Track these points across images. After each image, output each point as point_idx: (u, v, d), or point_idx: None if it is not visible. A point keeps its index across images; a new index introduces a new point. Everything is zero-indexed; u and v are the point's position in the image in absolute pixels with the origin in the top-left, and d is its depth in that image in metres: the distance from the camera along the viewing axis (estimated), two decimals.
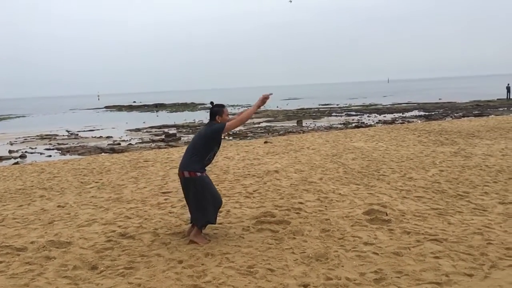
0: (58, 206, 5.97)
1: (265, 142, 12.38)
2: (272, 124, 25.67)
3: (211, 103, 4.58)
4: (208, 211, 4.29)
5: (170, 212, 5.37)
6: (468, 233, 4.21)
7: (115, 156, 11.83)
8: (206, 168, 4.39)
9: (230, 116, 4.57)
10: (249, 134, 20.07)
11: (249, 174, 7.56)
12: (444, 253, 3.75)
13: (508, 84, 40.46)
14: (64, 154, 16.25)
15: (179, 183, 6.99)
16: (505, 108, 29.96)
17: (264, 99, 4.40)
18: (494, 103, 35.89)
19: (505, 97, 39.01)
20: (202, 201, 4.27)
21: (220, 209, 5.32)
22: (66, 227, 4.97)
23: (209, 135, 4.31)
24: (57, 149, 18.01)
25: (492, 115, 22.85)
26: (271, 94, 4.49)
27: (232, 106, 49.76)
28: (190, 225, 4.56)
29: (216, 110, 4.42)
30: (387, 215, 4.85)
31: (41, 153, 16.69)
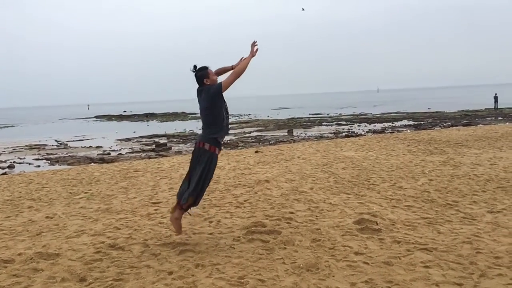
0: (47, 217, 5.90)
1: (256, 152, 12.38)
2: (263, 134, 25.70)
3: (194, 66, 4.45)
4: (202, 192, 4.40)
5: (160, 223, 5.33)
6: (458, 242, 4.24)
7: (105, 166, 11.74)
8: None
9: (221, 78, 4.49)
10: (239, 144, 20.07)
11: (239, 184, 7.55)
12: (434, 262, 3.77)
13: (496, 94, 41.03)
14: (53, 164, 16.10)
15: (169, 193, 7.00)
16: (493, 118, 30.33)
17: (253, 48, 4.37)
18: (482, 112, 36.33)
19: (493, 106, 39.53)
20: (205, 180, 4.34)
21: (211, 219, 5.34)
22: (55, 238, 4.91)
23: (212, 102, 4.29)
24: (46, 159, 17.83)
25: (480, 125, 23.12)
26: (255, 42, 4.41)
27: None
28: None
29: (202, 74, 4.38)
30: (377, 224, 4.87)
31: (29, 163, 16.52)
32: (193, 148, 4.53)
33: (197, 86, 4.48)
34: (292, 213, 5.50)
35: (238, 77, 4.30)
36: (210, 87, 4.34)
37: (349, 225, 4.89)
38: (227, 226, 5.06)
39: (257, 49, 4.43)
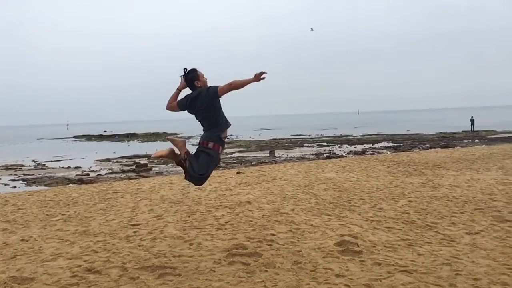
0: (22, 240, 5.73)
1: (238, 173, 12.35)
2: (245, 155, 25.71)
3: (184, 70, 4.46)
4: (206, 174, 4.35)
5: (139, 245, 5.24)
6: (437, 264, 4.27)
7: (83, 187, 11.53)
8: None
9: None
10: (221, 165, 20.01)
11: (221, 205, 7.50)
12: (414, 284, 3.78)
13: (472, 117, 42.12)
14: (30, 185, 15.75)
15: (149, 215, 6.90)
16: (470, 140, 31.02)
17: (260, 76, 4.22)
18: (459, 135, 37.15)
19: (470, 129, 40.47)
20: (209, 164, 4.31)
21: (191, 242, 5.26)
22: (30, 262, 4.76)
23: (213, 101, 4.30)
24: (23, 180, 17.45)
25: (458, 147, 23.60)
26: (265, 72, 4.23)
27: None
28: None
29: (192, 76, 4.40)
30: (358, 246, 4.87)
31: (5, 184, 16.11)
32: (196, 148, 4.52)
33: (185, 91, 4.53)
34: (273, 235, 5.47)
35: (233, 89, 4.28)
36: (208, 89, 4.34)
37: (330, 247, 4.89)
38: (208, 249, 5.00)
39: (263, 78, 4.29)
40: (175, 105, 4.57)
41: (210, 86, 4.39)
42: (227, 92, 4.31)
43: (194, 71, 4.46)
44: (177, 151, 4.43)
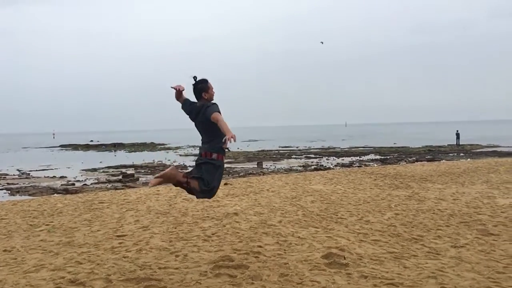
0: (4, 251, 5.62)
1: (225, 184, 12.31)
2: (233, 166, 25.66)
3: (194, 78, 4.39)
4: (217, 184, 4.32)
5: (125, 257, 5.17)
6: (423, 277, 4.29)
7: (69, 197, 11.38)
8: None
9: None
10: None
11: (208, 217, 7.45)
12: None
13: (458, 131, 42.70)
14: (14, 195, 15.50)
15: (135, 225, 6.83)
16: (455, 154, 31.44)
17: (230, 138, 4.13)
18: (445, 148, 37.65)
19: (455, 143, 41.00)
20: (216, 174, 4.28)
21: (177, 253, 5.21)
22: (12, 273, 4.67)
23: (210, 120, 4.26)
24: (6, 189, 17.18)
25: (443, 160, 23.88)
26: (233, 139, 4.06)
27: (193, 146, 49.50)
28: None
29: (201, 86, 4.33)
30: (345, 258, 4.88)
31: None
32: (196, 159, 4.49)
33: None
34: (260, 246, 5.45)
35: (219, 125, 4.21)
36: (207, 107, 4.26)
37: (317, 259, 4.88)
38: (194, 260, 4.96)
39: (229, 142, 4.12)
40: (182, 102, 4.55)
41: (211, 105, 4.29)
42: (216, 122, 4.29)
43: (205, 82, 4.39)
44: (171, 176, 4.30)
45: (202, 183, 4.23)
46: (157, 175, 4.22)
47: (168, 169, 4.26)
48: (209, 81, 4.42)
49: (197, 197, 4.42)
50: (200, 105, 4.39)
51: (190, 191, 4.30)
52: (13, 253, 5.52)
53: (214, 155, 4.31)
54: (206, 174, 4.27)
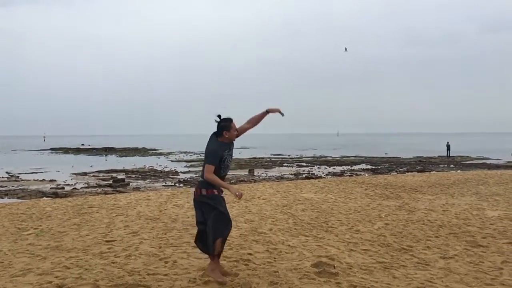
0: None
1: None
2: None
3: (219, 116, 4.41)
4: (223, 233, 4.34)
5: (113, 262, 5.12)
6: (412, 287, 4.30)
7: (58, 201, 11.28)
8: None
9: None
10: None
11: None
12: None
13: (448, 142, 43.07)
14: (2, 198, 15.34)
15: (124, 231, 6.78)
16: (445, 165, 31.68)
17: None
18: (436, 159, 37.93)
19: (445, 154, 41.32)
20: (219, 218, 4.30)
21: (166, 260, 5.18)
22: None
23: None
24: None
25: (434, 171, 24.03)
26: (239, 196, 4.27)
27: (185, 152, 49.35)
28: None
29: (224, 125, 4.36)
30: (334, 268, 4.88)
31: None
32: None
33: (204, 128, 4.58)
34: (250, 254, 5.43)
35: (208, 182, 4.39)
36: (207, 157, 4.38)
37: (307, 268, 4.87)
38: (184, 267, 4.93)
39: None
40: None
41: (208, 153, 4.41)
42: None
43: (229, 120, 4.40)
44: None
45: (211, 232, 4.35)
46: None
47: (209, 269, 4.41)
48: (233, 121, 4.42)
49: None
50: (221, 141, 4.42)
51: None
52: (0, 256, 5.44)
53: (203, 191, 4.38)
54: (209, 225, 4.37)
